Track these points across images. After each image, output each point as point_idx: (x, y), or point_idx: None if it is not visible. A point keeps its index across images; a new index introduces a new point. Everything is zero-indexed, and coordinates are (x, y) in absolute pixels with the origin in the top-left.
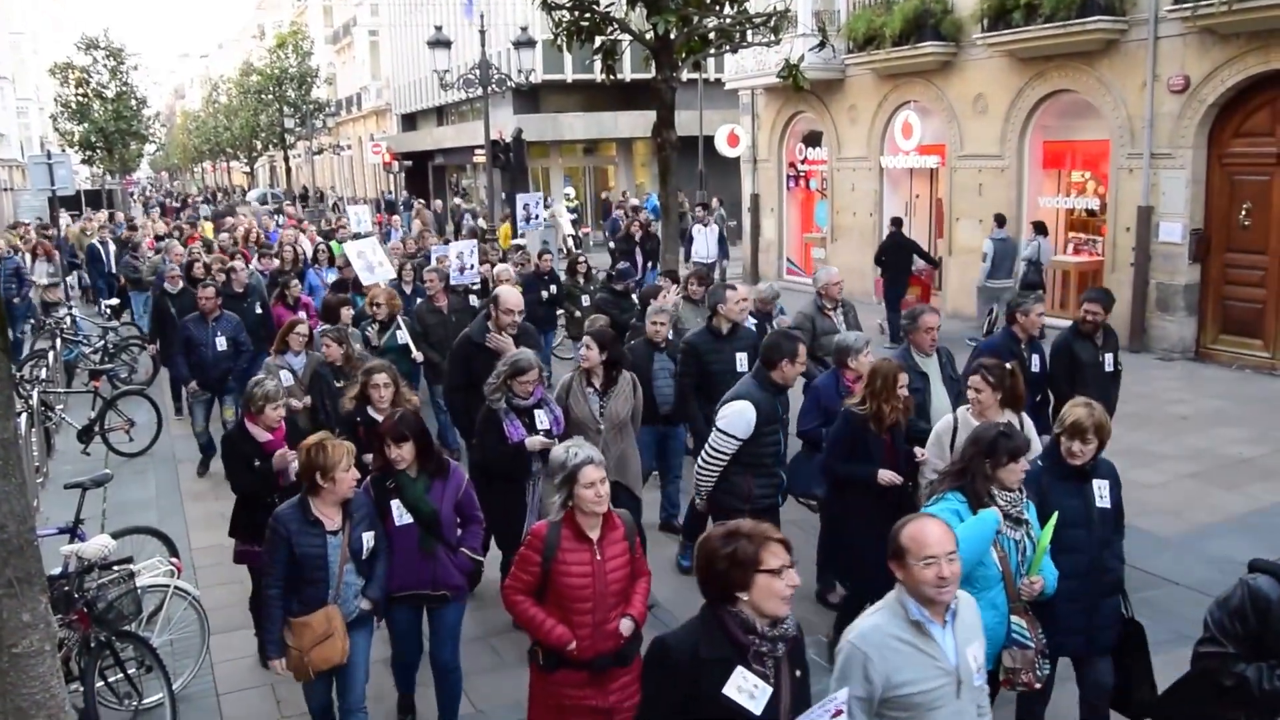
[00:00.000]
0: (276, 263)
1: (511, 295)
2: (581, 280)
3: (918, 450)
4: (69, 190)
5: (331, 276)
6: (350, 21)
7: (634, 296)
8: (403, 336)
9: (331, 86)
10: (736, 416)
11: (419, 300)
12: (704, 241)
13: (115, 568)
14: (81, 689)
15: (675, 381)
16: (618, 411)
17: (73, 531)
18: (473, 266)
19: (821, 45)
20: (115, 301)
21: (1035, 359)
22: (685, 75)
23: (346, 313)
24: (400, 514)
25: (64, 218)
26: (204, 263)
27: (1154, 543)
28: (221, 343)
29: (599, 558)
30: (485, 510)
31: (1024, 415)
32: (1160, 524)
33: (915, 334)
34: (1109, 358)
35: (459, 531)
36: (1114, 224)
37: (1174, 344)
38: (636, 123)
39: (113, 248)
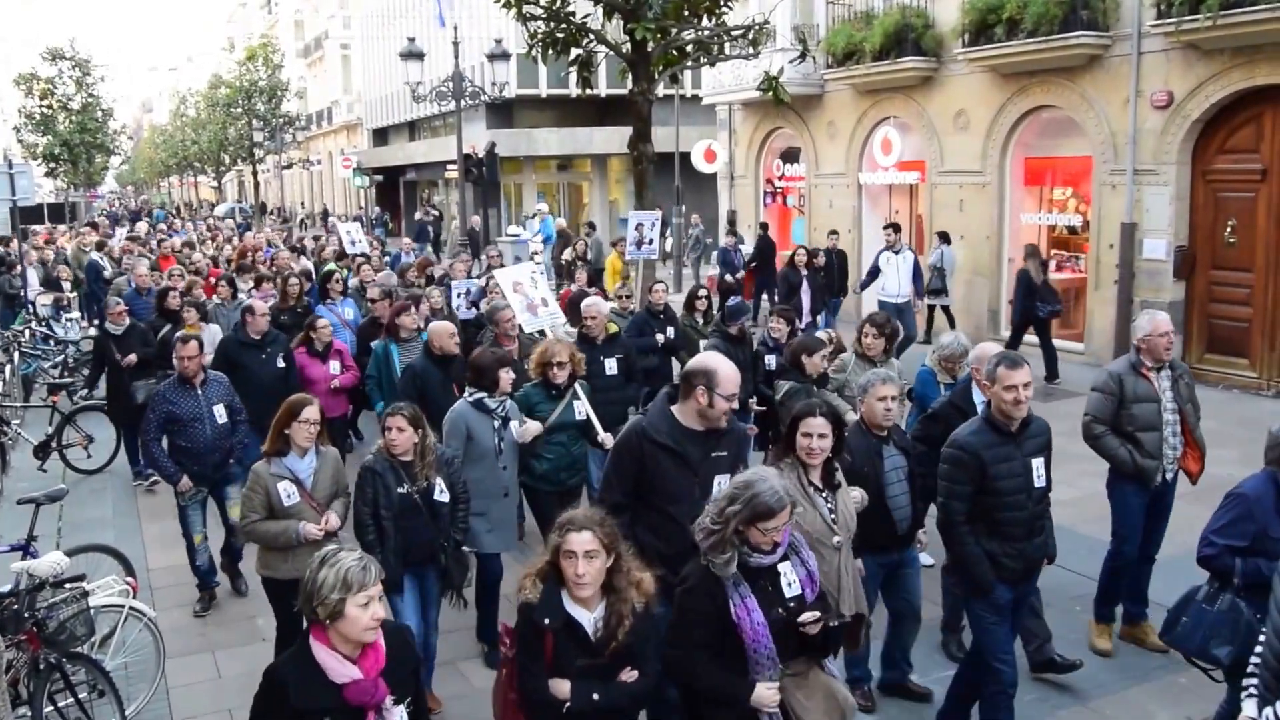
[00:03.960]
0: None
1: (728, 370)
2: (700, 320)
3: None
4: (30, 201)
5: (349, 311)
6: (322, 35)
7: (752, 340)
8: (582, 408)
9: (302, 100)
10: None
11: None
12: (894, 274)
13: (67, 586)
14: (29, 713)
15: (909, 486)
16: (850, 515)
17: (25, 549)
18: (545, 302)
19: (802, 56)
20: (77, 314)
21: None
22: (662, 89)
23: (506, 377)
24: None
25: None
26: (179, 290)
27: None
28: (219, 414)
29: None
30: None
31: None
32: None
33: None
34: None
35: None
36: (1097, 241)
37: None
38: (611, 138)
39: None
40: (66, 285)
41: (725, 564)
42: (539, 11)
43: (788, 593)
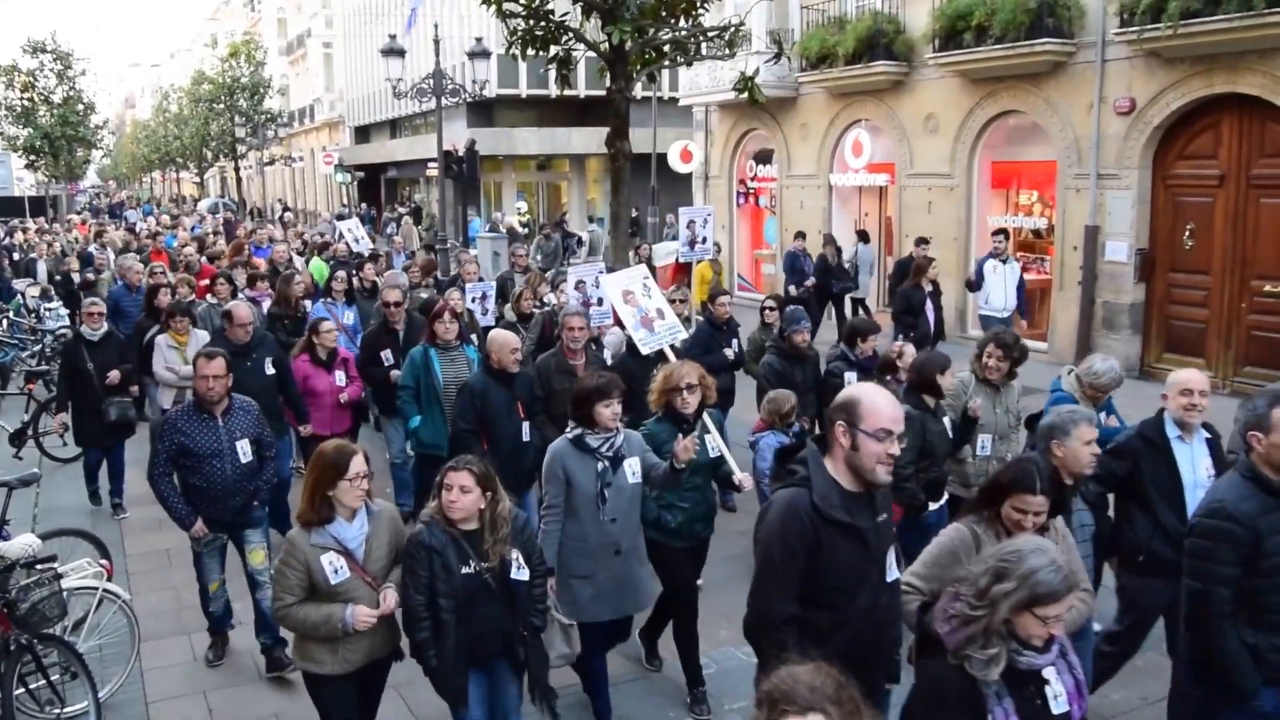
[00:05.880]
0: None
1: (874, 399)
2: (775, 332)
3: None
4: (9, 190)
5: (349, 315)
6: (304, 33)
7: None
8: (715, 443)
9: (284, 97)
10: None
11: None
12: (1001, 285)
13: (39, 568)
14: None
15: (1094, 548)
16: None
17: None
18: (661, 314)
19: (777, 57)
20: (56, 304)
21: None
22: (639, 88)
23: (607, 412)
24: None
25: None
26: (168, 285)
27: None
28: (244, 450)
29: None
30: None
31: None
32: None
33: None
34: None
35: None
36: (1061, 243)
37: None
38: (590, 139)
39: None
40: (76, 278)
41: (989, 664)
42: (518, 9)
43: (1054, 708)
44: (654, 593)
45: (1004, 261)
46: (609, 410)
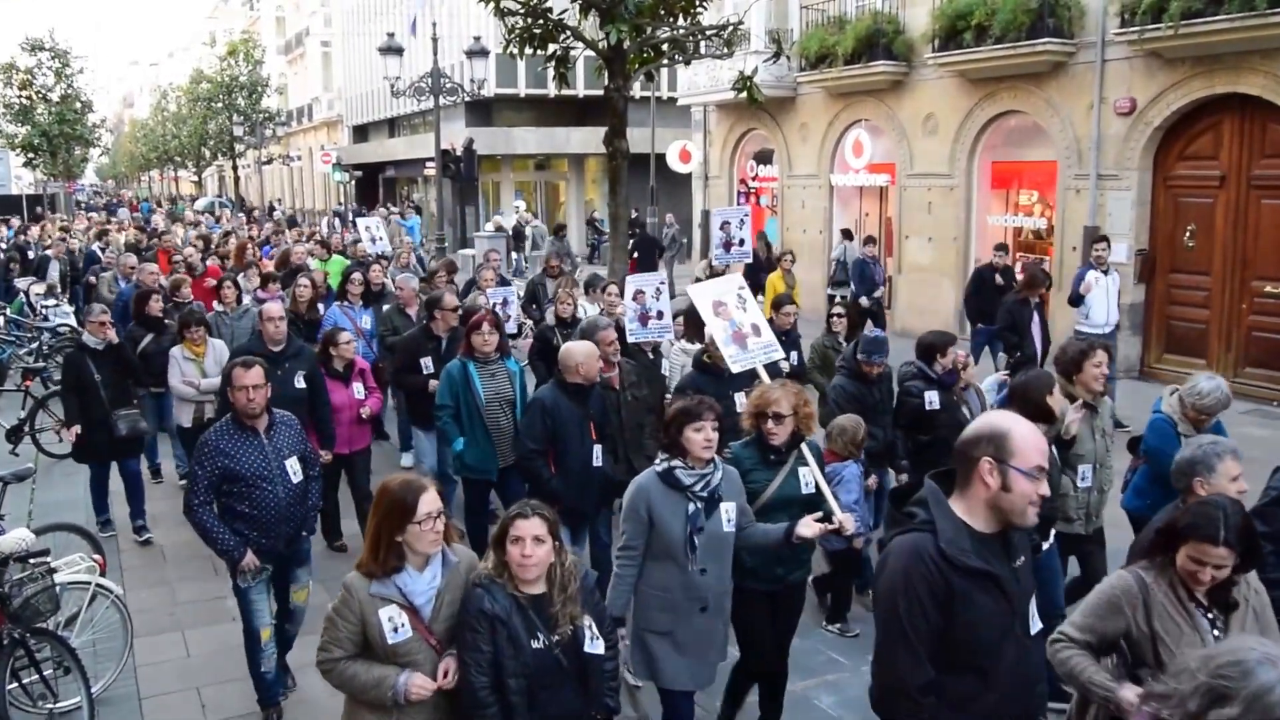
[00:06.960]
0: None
1: (1024, 432)
2: (842, 340)
3: None
4: (6, 188)
5: (367, 320)
6: (303, 32)
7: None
8: (810, 477)
9: (283, 96)
10: None
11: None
12: (1104, 298)
13: (32, 562)
14: None
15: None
16: None
17: None
18: (757, 330)
19: (776, 56)
20: (53, 302)
21: None
22: (638, 87)
23: (699, 439)
24: None
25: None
26: (164, 287)
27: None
28: (294, 470)
29: None
30: None
31: None
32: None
33: None
34: None
35: None
36: (1061, 244)
37: (1119, 363)
38: (589, 138)
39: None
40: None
41: None
42: (516, 7)
43: None
44: (725, 655)
45: (1105, 272)
46: (700, 436)
